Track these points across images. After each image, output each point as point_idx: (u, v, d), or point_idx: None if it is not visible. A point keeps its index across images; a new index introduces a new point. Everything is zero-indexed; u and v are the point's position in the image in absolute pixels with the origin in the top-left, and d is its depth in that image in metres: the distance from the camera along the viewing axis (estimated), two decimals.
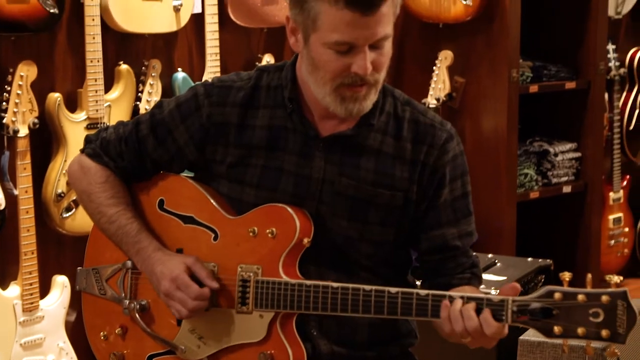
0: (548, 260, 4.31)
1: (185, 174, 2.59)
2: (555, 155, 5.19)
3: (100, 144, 2.58)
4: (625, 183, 5.80)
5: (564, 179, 5.26)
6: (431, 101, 4.84)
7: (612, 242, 5.75)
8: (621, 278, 2.20)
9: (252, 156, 2.47)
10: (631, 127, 5.80)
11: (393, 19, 2.35)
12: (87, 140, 2.61)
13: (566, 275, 2.21)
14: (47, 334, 3.96)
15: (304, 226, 2.41)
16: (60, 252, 4.07)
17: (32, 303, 3.91)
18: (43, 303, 3.96)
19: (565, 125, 5.34)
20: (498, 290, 2.30)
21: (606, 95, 5.59)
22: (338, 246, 2.46)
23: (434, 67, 4.87)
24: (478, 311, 2.23)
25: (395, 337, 2.58)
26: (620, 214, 5.79)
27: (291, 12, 2.37)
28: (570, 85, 5.19)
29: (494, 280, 4.08)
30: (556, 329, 2.18)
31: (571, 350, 3.55)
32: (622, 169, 5.76)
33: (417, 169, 2.45)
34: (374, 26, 2.28)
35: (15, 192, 3.85)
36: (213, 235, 2.48)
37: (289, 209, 2.41)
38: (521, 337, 3.63)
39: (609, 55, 5.56)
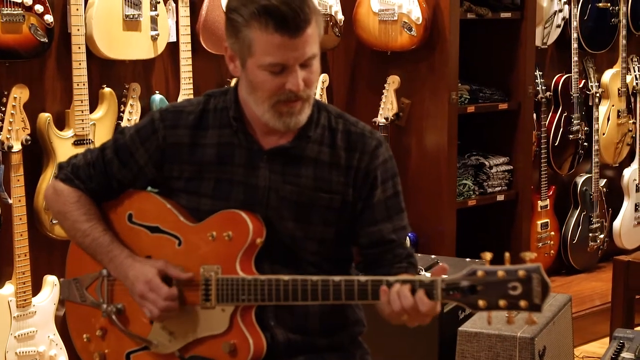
0: (483, 260, 4.28)
1: (150, 190, 2.56)
2: (490, 168, 5.19)
3: (71, 169, 2.56)
4: (551, 192, 5.80)
5: (498, 188, 5.25)
6: (380, 120, 4.82)
7: (540, 244, 5.75)
8: (535, 254, 2.21)
9: (205, 171, 2.46)
10: (556, 144, 5.80)
11: (318, 39, 2.35)
12: (60, 166, 2.60)
13: (487, 255, 2.23)
14: (39, 327, 3.90)
15: (256, 228, 2.39)
16: (51, 254, 4.01)
17: (25, 300, 3.85)
18: (35, 300, 3.91)
19: (498, 142, 5.33)
20: (429, 273, 2.29)
21: (534, 115, 5.59)
22: (287, 245, 2.45)
23: (383, 90, 4.85)
24: (413, 291, 2.23)
25: (345, 325, 2.56)
26: (547, 220, 5.78)
27: (228, 42, 2.37)
28: (503, 106, 5.19)
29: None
30: (481, 302, 2.19)
31: (503, 339, 3.54)
32: (549, 180, 5.76)
33: (352, 173, 2.45)
34: (302, 47, 2.28)
35: (10, 201, 3.80)
36: (177, 242, 2.46)
37: (242, 214, 2.39)
38: (460, 328, 3.62)
39: (536, 80, 5.56)
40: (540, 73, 5.62)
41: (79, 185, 2.55)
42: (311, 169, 2.44)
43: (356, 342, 2.61)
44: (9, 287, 3.84)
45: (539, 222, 5.73)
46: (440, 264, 2.31)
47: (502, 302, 2.17)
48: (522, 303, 2.16)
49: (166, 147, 2.48)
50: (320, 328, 2.50)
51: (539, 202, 5.72)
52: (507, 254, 2.23)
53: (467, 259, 4.36)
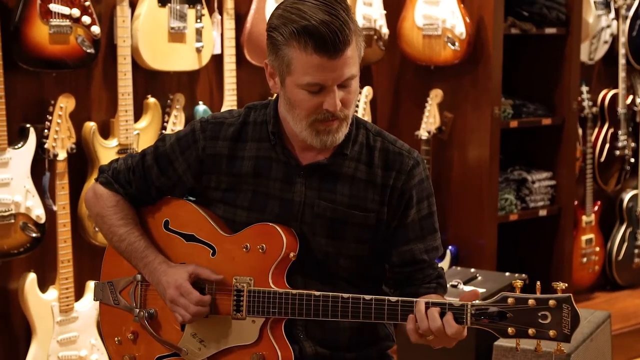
0: (523, 275, 4.29)
1: (188, 198, 2.59)
2: (533, 182, 5.18)
3: (112, 173, 2.60)
4: (596, 208, 5.77)
5: (540, 203, 5.23)
6: (423, 133, 4.83)
7: (585, 259, 5.72)
8: (566, 285, 2.21)
9: (242, 183, 2.48)
10: (602, 159, 5.77)
11: (358, 60, 2.35)
12: (101, 170, 2.63)
13: (518, 282, 2.24)
14: (81, 332, 3.96)
15: (290, 242, 2.41)
16: (93, 261, 4.06)
17: (67, 305, 3.91)
18: (77, 305, 3.97)
19: (542, 157, 5.31)
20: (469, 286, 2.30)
21: (580, 131, 5.58)
22: (320, 261, 2.46)
23: (426, 104, 4.87)
24: (442, 314, 2.24)
25: (374, 341, 2.56)
26: (592, 235, 5.75)
27: (269, 59, 2.38)
28: (546, 121, 5.17)
29: None
30: (510, 330, 2.20)
31: (538, 355, 3.52)
32: (594, 195, 5.73)
33: (387, 192, 2.45)
34: (340, 68, 2.29)
35: (54, 208, 3.86)
36: (211, 251, 2.48)
37: (277, 227, 2.41)
38: (496, 343, 3.61)
39: (583, 96, 5.55)
40: (587, 89, 5.60)
41: (118, 189, 2.58)
42: (347, 187, 2.45)
43: (385, 357, 2.61)
44: (53, 292, 3.91)
45: (583, 238, 5.71)
46: (472, 289, 2.32)
47: (531, 331, 2.19)
48: (552, 333, 2.18)
49: (205, 157, 2.51)
50: (349, 343, 2.51)
51: (583, 217, 5.69)
52: (538, 283, 2.25)
53: (507, 274, 4.35)
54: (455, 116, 4.93)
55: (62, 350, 3.91)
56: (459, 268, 4.52)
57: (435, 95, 4.86)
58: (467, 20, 4.72)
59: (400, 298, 2.30)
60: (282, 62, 2.32)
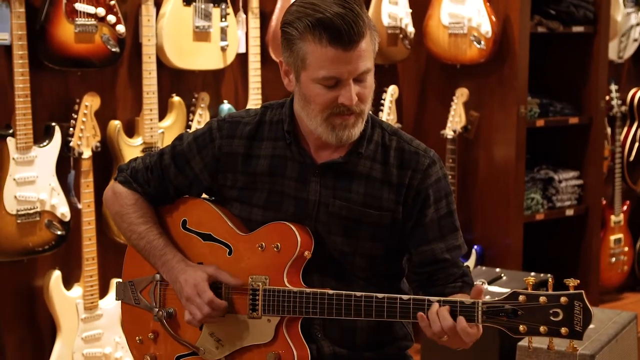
0: (548, 275, 4.26)
1: (205, 197, 2.60)
2: (560, 182, 5.15)
3: (130, 172, 2.61)
4: (625, 208, 5.73)
5: (567, 203, 5.21)
6: (449, 132, 4.81)
7: (613, 259, 5.68)
8: (578, 281, 2.19)
9: (258, 182, 2.48)
10: (631, 159, 5.73)
11: (373, 55, 2.34)
12: (119, 169, 2.64)
13: (530, 280, 2.23)
14: (105, 329, 3.98)
15: (304, 241, 2.41)
16: (118, 259, 3.99)
17: (92, 302, 3.93)
18: (102, 303, 3.99)
19: (569, 156, 5.29)
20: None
21: (609, 130, 5.53)
22: (336, 259, 2.45)
23: (452, 103, 4.85)
24: (452, 313, 2.23)
25: (392, 340, 2.56)
26: (621, 235, 5.71)
27: (283, 56, 2.38)
28: (573, 120, 5.15)
29: (498, 292, 4.03)
30: (521, 327, 2.18)
31: (562, 356, 3.50)
32: (623, 195, 5.69)
33: (403, 191, 2.43)
34: (355, 61, 2.28)
35: (79, 206, 3.88)
36: (228, 250, 2.48)
37: (292, 226, 2.41)
38: (520, 343, 3.59)
39: (611, 95, 5.51)
40: (616, 87, 5.56)
41: (137, 188, 2.59)
42: (362, 185, 2.44)
43: (403, 356, 2.60)
44: (77, 290, 3.93)
45: (612, 238, 5.66)
46: (477, 284, 2.30)
47: (542, 328, 2.16)
48: (563, 330, 2.15)
49: (221, 156, 2.51)
50: (367, 342, 2.51)
51: (612, 217, 5.65)
52: (550, 280, 2.24)
53: (532, 274, 4.33)
54: (481, 115, 4.91)
55: (86, 347, 3.93)
56: (484, 268, 4.50)
57: (461, 94, 4.84)
58: (493, 18, 4.69)
59: (412, 296, 2.29)
60: (297, 57, 2.32)
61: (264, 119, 2.51)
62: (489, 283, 4.14)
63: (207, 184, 2.55)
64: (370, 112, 2.47)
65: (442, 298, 2.27)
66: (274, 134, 2.49)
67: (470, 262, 4.89)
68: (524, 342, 3.60)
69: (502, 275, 4.30)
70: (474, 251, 4.92)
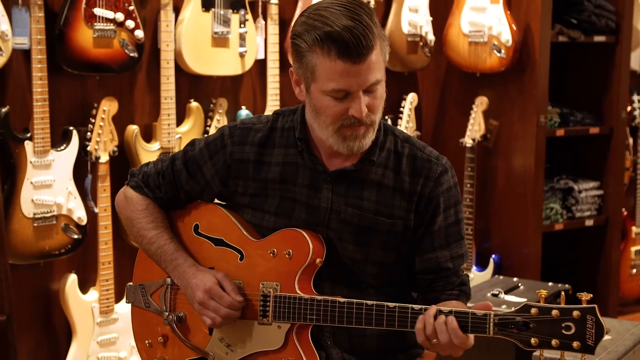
0: (567, 285, 4.24)
1: (217, 203, 2.59)
2: (580, 192, 5.12)
3: (142, 177, 2.61)
4: None
5: (587, 213, 5.18)
6: (468, 141, 4.79)
7: (634, 271, 5.64)
8: (591, 295, 2.18)
9: (269, 188, 2.47)
10: None
11: (383, 65, 2.32)
12: (131, 174, 2.64)
13: (542, 292, 2.22)
14: (121, 333, 3.98)
15: (316, 248, 2.39)
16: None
17: (108, 306, 3.94)
18: (118, 307, 3.99)
19: (589, 166, 5.26)
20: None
21: (631, 140, 5.50)
22: (348, 267, 2.44)
23: (471, 111, 4.84)
24: (463, 324, 2.23)
25: (403, 348, 2.55)
26: None
27: (294, 66, 2.37)
28: (594, 130, 5.11)
29: (514, 302, 4.00)
30: (533, 340, 2.17)
31: None
32: None
33: (414, 199, 2.42)
34: (365, 73, 2.26)
35: (96, 210, 3.89)
36: (239, 256, 2.48)
37: (304, 233, 2.40)
38: (535, 353, 3.56)
39: (634, 105, 5.47)
40: (638, 97, 5.52)
41: (148, 193, 2.60)
42: (374, 193, 2.43)
43: None
44: (93, 294, 3.94)
45: (633, 249, 5.62)
46: (485, 302, 2.28)
47: (554, 342, 2.15)
48: (575, 344, 2.14)
49: (232, 162, 2.51)
50: (377, 350, 2.50)
51: (633, 228, 5.61)
52: (562, 294, 2.23)
53: (550, 284, 4.30)
54: (501, 124, 4.89)
55: (101, 351, 3.94)
56: (501, 277, 4.47)
57: (481, 103, 4.82)
58: (514, 27, 4.67)
59: (423, 306, 2.28)
60: (307, 69, 2.31)
61: (276, 125, 2.51)
62: (506, 292, 4.11)
63: (218, 190, 2.55)
64: (384, 120, 2.45)
65: (453, 308, 2.25)
66: (286, 141, 2.48)
67: (488, 271, 4.87)
68: (538, 353, 3.57)
69: (519, 284, 4.27)
70: (491, 260, 4.89)
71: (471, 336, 2.24)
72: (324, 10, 2.26)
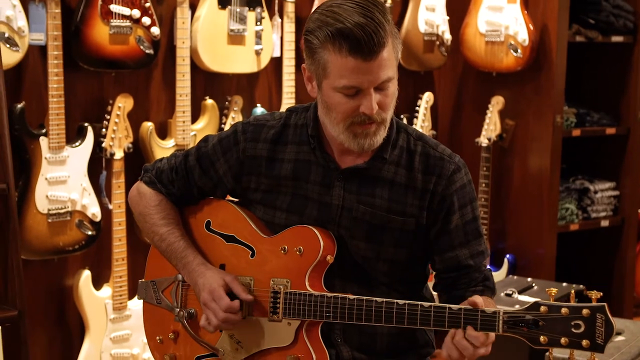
0: (581, 286, 4.22)
1: (229, 199, 2.59)
2: (595, 192, 5.10)
3: (155, 172, 2.61)
4: None
5: (603, 214, 5.15)
6: (483, 140, 4.77)
7: None
8: (601, 294, 2.16)
9: (282, 185, 2.47)
10: None
11: (395, 62, 2.31)
12: (145, 169, 2.65)
13: (552, 291, 2.21)
14: (134, 330, 3.98)
15: (327, 245, 2.39)
16: None
17: (121, 303, 3.94)
18: (131, 303, 3.99)
19: (605, 166, 5.24)
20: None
21: None
22: (359, 264, 2.44)
23: (487, 111, 4.82)
24: (472, 323, 2.22)
25: (413, 347, 2.54)
26: None
27: (306, 63, 2.37)
28: (610, 131, 5.09)
29: (528, 302, 3.97)
30: (542, 338, 2.16)
31: None
32: None
33: (427, 197, 2.41)
34: (376, 71, 2.25)
35: (110, 206, 3.90)
36: (250, 253, 2.48)
37: (315, 230, 2.40)
38: (547, 354, 3.55)
39: None
40: None
41: (161, 189, 2.60)
42: (386, 191, 2.43)
43: None
44: (107, 290, 3.94)
45: None
46: (475, 297, 2.27)
47: (563, 340, 2.14)
48: (584, 342, 2.13)
49: (245, 159, 2.51)
50: (387, 348, 2.49)
51: None
52: (572, 292, 2.22)
53: (564, 284, 4.28)
54: (517, 124, 4.87)
55: (114, 347, 3.94)
56: (515, 277, 4.46)
57: (497, 102, 4.80)
58: (531, 27, 4.66)
59: (433, 304, 2.27)
60: (319, 66, 2.31)
61: (289, 122, 2.50)
62: (520, 292, 4.09)
63: (230, 187, 2.55)
64: (399, 119, 2.44)
65: (463, 307, 2.24)
66: (298, 138, 2.48)
67: (502, 271, 4.85)
68: (554, 354, 3.55)
69: (533, 284, 4.25)
70: (505, 260, 4.87)
71: (491, 334, 2.23)
72: (337, 7, 2.26)
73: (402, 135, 2.46)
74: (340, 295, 2.34)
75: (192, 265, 2.49)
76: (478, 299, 2.24)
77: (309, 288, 2.38)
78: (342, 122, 2.32)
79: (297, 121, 2.50)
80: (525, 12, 4.68)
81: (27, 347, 3.03)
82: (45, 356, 3.95)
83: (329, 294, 2.35)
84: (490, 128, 4.79)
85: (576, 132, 4.96)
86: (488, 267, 2.52)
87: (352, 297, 2.33)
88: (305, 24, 2.36)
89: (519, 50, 4.66)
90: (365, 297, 2.32)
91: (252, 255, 2.47)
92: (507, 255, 4.89)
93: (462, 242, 2.44)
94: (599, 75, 5.23)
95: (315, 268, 2.39)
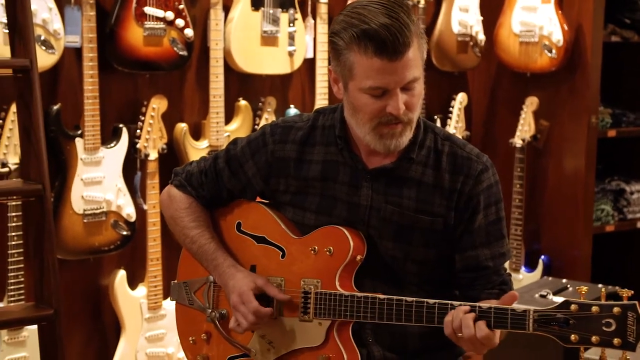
0: (616, 288, 4.17)
1: (259, 201, 2.60)
2: (631, 193, 5.07)
3: (185, 176, 2.63)
4: None
5: (639, 215, 5.11)
6: (517, 141, 4.76)
7: None
8: (632, 292, 2.14)
9: (310, 186, 2.48)
10: None
11: (421, 62, 2.31)
12: (175, 173, 2.66)
13: (583, 289, 2.19)
14: (168, 329, 4.01)
15: (357, 245, 2.39)
16: None
17: (156, 302, 3.97)
18: (165, 303, 4.02)
19: None
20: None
21: None
22: (388, 265, 2.44)
23: (521, 111, 4.80)
24: (502, 320, 2.21)
25: (445, 346, 2.51)
26: None
27: (332, 64, 2.37)
28: None
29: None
30: (573, 337, 2.14)
31: None
32: None
33: (455, 197, 2.41)
34: (402, 71, 2.25)
35: (145, 207, 3.93)
36: (281, 253, 2.48)
37: (345, 230, 2.40)
38: (585, 355, 3.52)
39: None
40: None
41: (191, 192, 2.61)
42: (414, 191, 2.43)
43: None
44: (142, 290, 3.98)
45: None
46: (511, 291, 2.27)
47: (594, 338, 2.12)
48: (616, 341, 2.10)
49: (274, 161, 2.52)
50: (419, 348, 2.48)
51: None
52: (602, 290, 2.19)
53: (600, 285, 4.25)
54: (551, 124, 4.85)
55: (150, 346, 3.97)
56: (550, 278, 4.44)
57: (531, 103, 4.79)
58: (565, 27, 4.64)
59: (463, 303, 2.26)
60: (344, 67, 2.31)
61: (317, 124, 2.51)
62: (554, 294, 4.07)
63: (259, 188, 2.56)
64: (433, 120, 2.44)
65: (493, 305, 2.24)
66: (326, 139, 2.48)
67: (537, 272, 4.83)
68: (588, 355, 3.53)
69: (568, 286, 4.23)
70: (540, 261, 4.85)
71: (497, 335, 2.22)
72: (362, 9, 2.26)
73: (429, 135, 2.46)
74: (370, 295, 2.34)
75: (222, 267, 2.51)
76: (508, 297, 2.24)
77: (339, 288, 2.39)
78: (369, 123, 2.32)
79: (325, 122, 2.51)
80: (560, 12, 4.66)
81: (62, 345, 3.06)
82: (81, 355, 3.99)
83: (359, 294, 2.36)
84: (525, 129, 4.77)
85: (612, 133, 4.93)
86: (508, 271, 2.52)
87: (382, 296, 2.33)
88: (331, 25, 2.36)
89: (554, 51, 4.64)
90: (395, 297, 2.32)
91: (283, 256, 2.48)
92: (542, 257, 4.87)
93: (484, 242, 2.43)
94: (635, 75, 5.19)
95: (345, 268, 2.40)
